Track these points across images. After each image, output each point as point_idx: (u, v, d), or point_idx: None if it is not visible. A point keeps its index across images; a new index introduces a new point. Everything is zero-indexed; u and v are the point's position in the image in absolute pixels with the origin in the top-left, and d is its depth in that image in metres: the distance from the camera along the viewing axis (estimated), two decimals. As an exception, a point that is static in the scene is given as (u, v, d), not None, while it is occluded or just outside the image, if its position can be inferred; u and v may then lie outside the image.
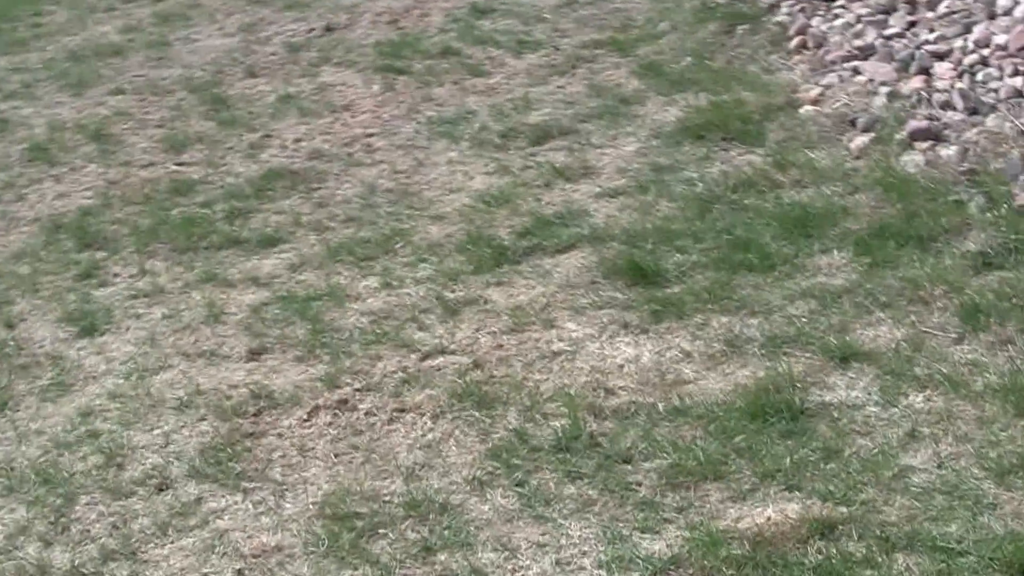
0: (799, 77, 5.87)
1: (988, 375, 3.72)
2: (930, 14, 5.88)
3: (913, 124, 5.00)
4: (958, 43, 5.49)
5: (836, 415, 3.70)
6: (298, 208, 5.69)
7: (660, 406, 3.88)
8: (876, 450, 3.53)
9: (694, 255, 4.70)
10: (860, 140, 5.10)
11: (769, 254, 4.58)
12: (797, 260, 4.53)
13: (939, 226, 4.49)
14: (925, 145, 4.90)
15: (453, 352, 4.41)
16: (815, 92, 5.60)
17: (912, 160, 4.89)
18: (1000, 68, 5.17)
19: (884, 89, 5.29)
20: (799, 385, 3.84)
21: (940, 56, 5.49)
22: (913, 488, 3.36)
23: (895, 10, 6.11)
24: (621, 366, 4.16)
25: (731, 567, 3.16)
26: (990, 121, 4.82)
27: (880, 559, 3.12)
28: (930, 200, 4.66)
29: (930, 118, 4.98)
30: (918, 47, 5.63)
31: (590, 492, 3.58)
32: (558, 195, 5.40)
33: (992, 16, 5.54)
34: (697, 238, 4.81)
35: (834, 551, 3.16)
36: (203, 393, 4.41)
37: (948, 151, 4.80)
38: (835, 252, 4.53)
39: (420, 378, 4.28)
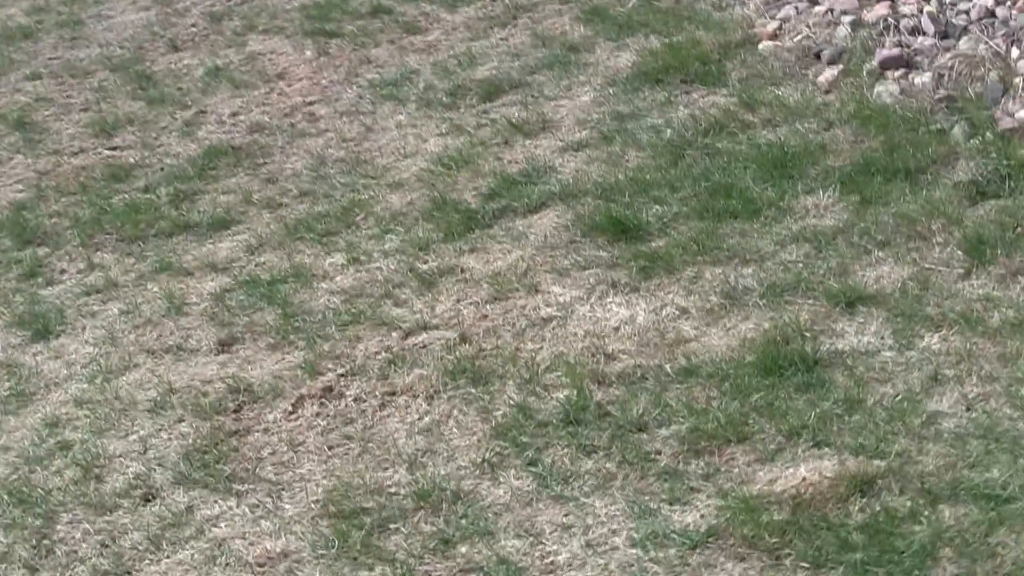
0: (753, 12, 5.72)
1: (1003, 310, 3.61)
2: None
3: (883, 53, 4.88)
4: (921, -36, 5.36)
5: (851, 363, 3.58)
6: (246, 186, 5.45)
7: (667, 367, 3.74)
8: (900, 397, 3.41)
9: (674, 205, 4.55)
10: (828, 73, 4.97)
11: (752, 198, 4.44)
12: (783, 203, 4.39)
13: (925, 157, 4.38)
14: (897, 74, 4.78)
15: (436, 327, 4.23)
16: (772, 26, 5.46)
17: (886, 90, 4.77)
18: (971, -12, 5.05)
19: (846, 18, 5.16)
20: (808, 335, 3.72)
21: (903, -21, 5.36)
22: (946, 434, 3.26)
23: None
24: (617, 328, 4.00)
25: (774, 534, 3.03)
26: (963, 44, 4.71)
27: (926, 513, 3.01)
28: (911, 131, 4.54)
29: (900, 45, 4.86)
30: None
31: (608, 466, 3.43)
32: (519, 152, 5.21)
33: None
34: (674, 187, 4.66)
35: (877, 508, 3.05)
36: (177, 391, 4.18)
37: (922, 78, 4.69)
38: (820, 192, 4.40)
39: (406, 357, 4.09)
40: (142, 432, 4.02)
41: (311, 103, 6.09)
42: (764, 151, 4.70)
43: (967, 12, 4.85)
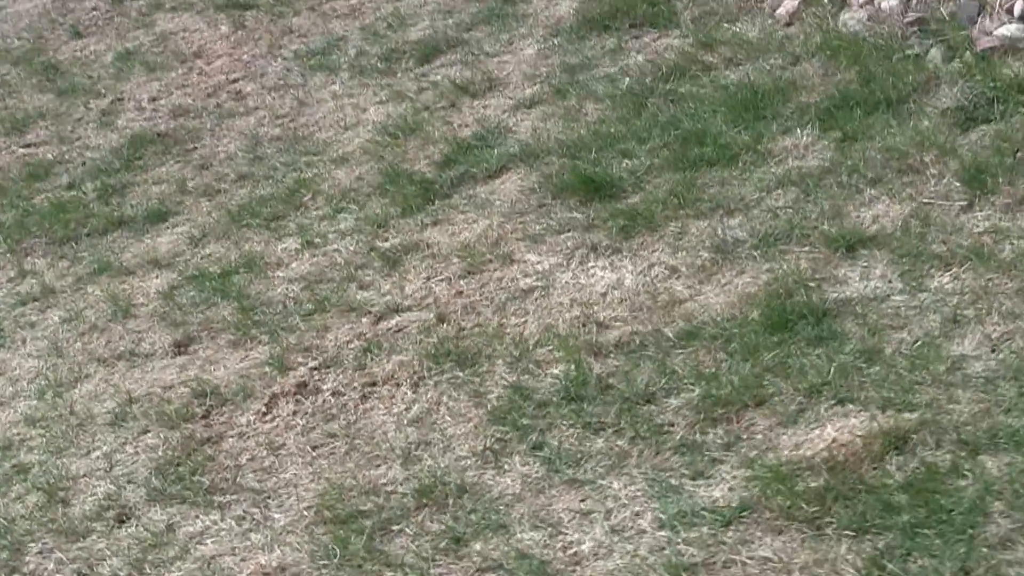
0: (699, -54, 5.55)
1: (1015, 241, 3.52)
2: None
3: (847, -21, 4.76)
4: None
5: (862, 311, 3.47)
6: (179, 174, 5.23)
7: (666, 332, 3.60)
8: (919, 343, 3.30)
9: (644, 157, 4.41)
10: (788, 4, 4.85)
11: (727, 144, 4.31)
12: (760, 146, 4.27)
13: (904, 86, 4.27)
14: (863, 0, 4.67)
15: (409, 308, 4.06)
16: (716, -38, 5.31)
17: (852, 17, 4.66)
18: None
19: (802, -53, 5.02)
20: (810, 284, 3.60)
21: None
22: (974, 379, 3.16)
23: None
24: (604, 294, 3.86)
25: (811, 502, 2.90)
26: (929, -36, 4.60)
27: (967, 466, 2.91)
28: (884, 59, 4.43)
29: (864, -29, 4.74)
30: None
31: (620, 443, 3.29)
32: (468, 114, 5.04)
33: None
34: (641, 138, 4.52)
35: (916, 465, 2.94)
36: (136, 401, 3.98)
37: (889, 2, 4.58)
38: (798, 131, 4.28)
39: (382, 344, 3.92)
40: (105, 448, 3.82)
41: (235, 80, 5.87)
42: (732, 93, 4.57)
43: (931, -71, 4.72)
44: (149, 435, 3.82)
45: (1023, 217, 3.59)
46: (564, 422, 3.41)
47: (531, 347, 3.71)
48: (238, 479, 3.56)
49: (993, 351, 3.22)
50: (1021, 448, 2.93)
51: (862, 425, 3.07)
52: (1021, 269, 3.43)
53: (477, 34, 5.60)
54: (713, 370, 3.40)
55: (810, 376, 3.28)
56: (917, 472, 2.91)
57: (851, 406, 3.16)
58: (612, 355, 3.59)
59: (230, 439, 3.73)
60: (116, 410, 3.95)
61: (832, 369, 3.28)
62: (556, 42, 5.33)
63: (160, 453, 3.72)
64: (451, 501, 3.26)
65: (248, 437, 3.71)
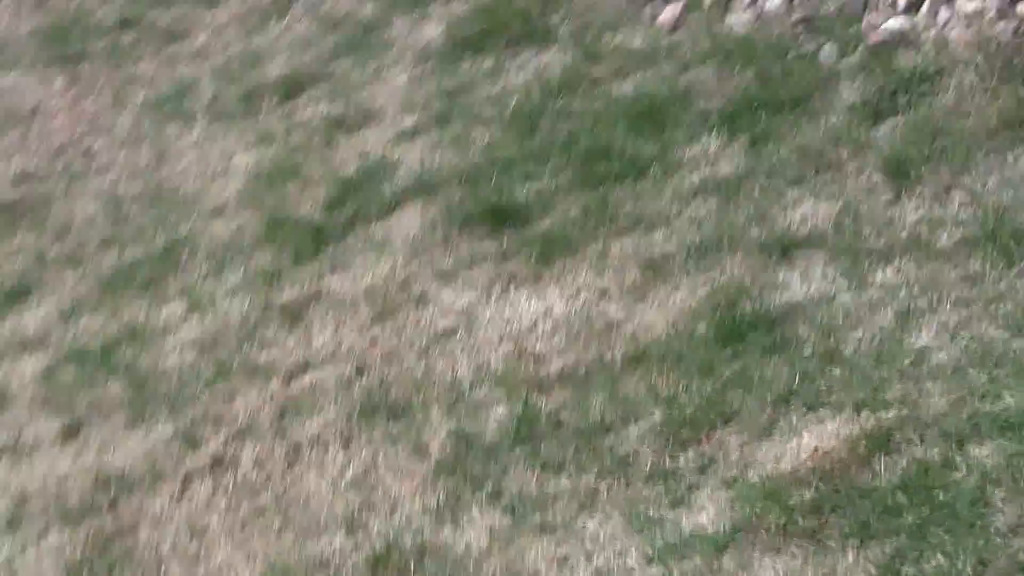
0: (563, -44, 5.55)
1: (950, 228, 3.56)
2: None
3: (727, -20, 4.80)
4: None
5: (811, 314, 3.47)
6: (34, 244, 5.02)
7: (610, 357, 3.55)
8: (877, 340, 3.32)
9: (548, 179, 4.37)
10: (670, 11, 4.87)
11: (633, 157, 4.30)
12: (668, 156, 4.26)
13: (803, 85, 4.31)
14: (748, 1, 4.71)
15: (322, 363, 3.94)
16: (592, -31, 5.31)
17: (738, 20, 4.70)
18: None
19: (676, -50, 5.05)
20: (752, 293, 3.59)
21: None
22: (941, 370, 3.17)
23: None
24: (534, 325, 3.80)
25: (808, 515, 2.88)
26: (811, -42, 4.66)
27: (957, 458, 2.92)
28: (778, 59, 4.47)
29: (745, -30, 4.78)
30: None
31: (585, 480, 3.23)
32: (347, 150, 4.94)
33: None
34: (540, 159, 4.47)
35: (906, 463, 2.94)
36: (30, 498, 3.78)
37: (773, 2, 4.64)
38: (705, 137, 4.28)
39: (299, 404, 3.80)
40: (3, 555, 3.61)
41: (80, 137, 5.65)
42: (627, 105, 4.56)
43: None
44: (51, 535, 3.64)
45: (953, 203, 3.64)
46: (519, 465, 3.33)
47: (467, 389, 3.63)
48: (163, 572, 3.39)
49: (952, 339, 3.25)
50: (1006, 433, 2.95)
51: (841, 429, 3.07)
52: (962, 255, 3.47)
53: (341, 65, 5.49)
54: (670, 392, 3.36)
55: (774, 386, 3.26)
56: (909, 470, 2.91)
57: (824, 411, 3.16)
58: (557, 388, 3.53)
59: (145, 529, 3.57)
60: (9, 511, 3.75)
61: (795, 376, 3.27)
62: (428, 67, 5.26)
63: (68, 554, 3.54)
64: (412, 566, 3.16)
65: (166, 524, 3.56)
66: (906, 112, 4.03)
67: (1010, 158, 3.63)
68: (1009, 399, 3.04)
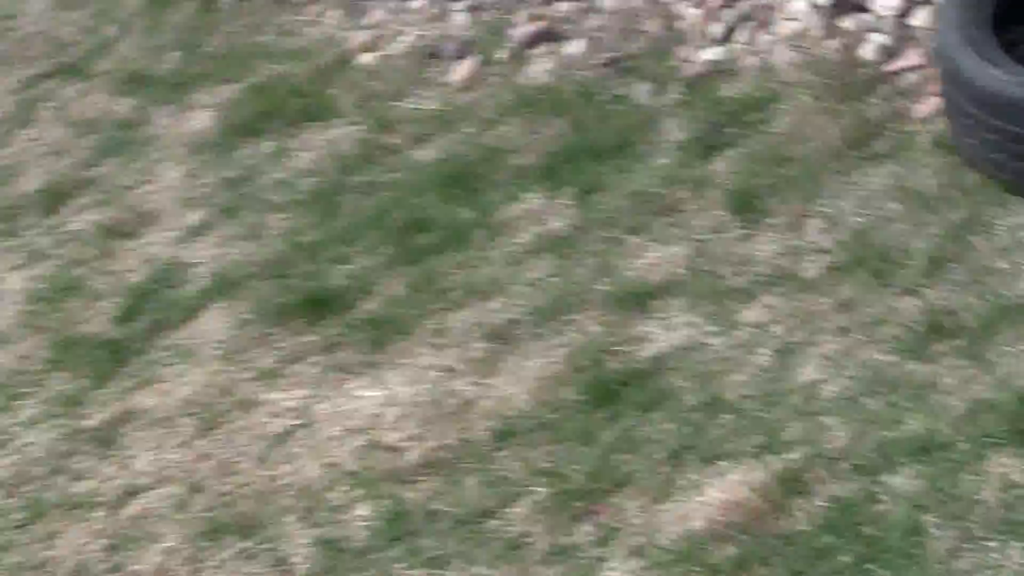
0: (334, 27, 5.42)
1: (811, 256, 3.57)
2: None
3: (521, 31, 4.76)
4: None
5: (683, 364, 3.42)
6: None
7: (473, 438, 3.41)
8: (760, 381, 3.28)
9: (362, 259, 4.22)
10: (462, 69, 4.80)
11: (451, 224, 4.20)
12: (490, 219, 4.17)
13: (621, 128, 4.30)
14: (545, 50, 4.68)
15: (149, 487, 3.68)
16: (364, 37, 5.21)
17: (538, 70, 4.67)
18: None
19: (459, 5, 4.99)
20: (615, 350, 3.51)
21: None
22: (835, 403, 3.16)
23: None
24: (379, 415, 3.63)
25: (734, 572, 2.80)
26: (609, 1, 4.67)
27: (877, 490, 2.89)
28: (589, 105, 4.46)
29: (538, 19, 4.75)
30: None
31: (476, 569, 3.06)
32: (130, 258, 4.67)
33: None
34: (348, 239, 4.32)
35: (825, 502, 2.90)
36: None
37: (576, 48, 4.62)
38: (526, 195, 4.21)
39: (132, 535, 3.53)
40: None
41: None
42: (433, 171, 4.46)
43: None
44: None
45: (810, 230, 3.66)
46: (399, 565, 3.16)
47: (321, 492, 3.42)
48: None
49: (839, 371, 3.24)
50: (919, 458, 2.94)
51: (747, 477, 3.01)
52: (830, 283, 3.48)
53: (104, 169, 5.21)
54: (550, 465, 3.24)
55: (663, 443, 3.18)
56: (831, 510, 2.87)
57: (723, 462, 3.09)
58: (423, 478, 3.37)
59: None
60: None
61: (683, 430, 3.19)
62: (203, 158, 5.04)
63: None
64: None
65: None
66: (740, 143, 4.05)
67: (860, 177, 3.67)
68: (912, 423, 3.05)
